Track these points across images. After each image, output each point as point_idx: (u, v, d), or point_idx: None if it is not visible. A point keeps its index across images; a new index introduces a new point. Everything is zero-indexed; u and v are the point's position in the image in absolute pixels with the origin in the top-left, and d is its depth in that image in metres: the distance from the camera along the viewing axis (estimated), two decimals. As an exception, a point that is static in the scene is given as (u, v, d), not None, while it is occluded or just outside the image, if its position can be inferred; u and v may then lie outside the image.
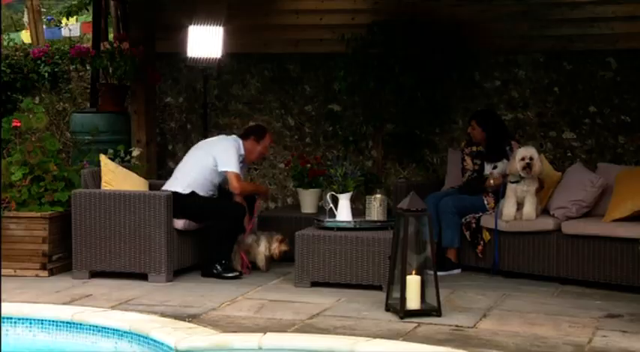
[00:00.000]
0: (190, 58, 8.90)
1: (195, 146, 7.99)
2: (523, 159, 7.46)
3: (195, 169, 7.65)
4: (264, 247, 7.66)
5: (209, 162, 7.63)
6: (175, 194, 7.50)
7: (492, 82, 9.26)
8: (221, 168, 7.59)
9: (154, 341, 5.47)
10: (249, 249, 7.67)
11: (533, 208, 7.49)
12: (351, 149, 9.40)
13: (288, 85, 9.78)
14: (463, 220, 7.84)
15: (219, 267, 7.45)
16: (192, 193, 7.59)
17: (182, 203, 7.51)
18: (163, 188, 7.68)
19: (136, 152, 8.52)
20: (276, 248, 7.64)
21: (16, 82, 10.68)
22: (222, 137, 7.98)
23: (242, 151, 7.73)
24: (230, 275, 7.42)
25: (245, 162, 7.86)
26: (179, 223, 7.47)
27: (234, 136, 7.87)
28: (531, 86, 9.15)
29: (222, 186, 7.78)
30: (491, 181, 7.85)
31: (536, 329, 5.81)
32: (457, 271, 7.79)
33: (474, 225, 7.77)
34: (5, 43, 11.67)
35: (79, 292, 6.87)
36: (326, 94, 9.55)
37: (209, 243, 7.59)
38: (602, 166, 7.96)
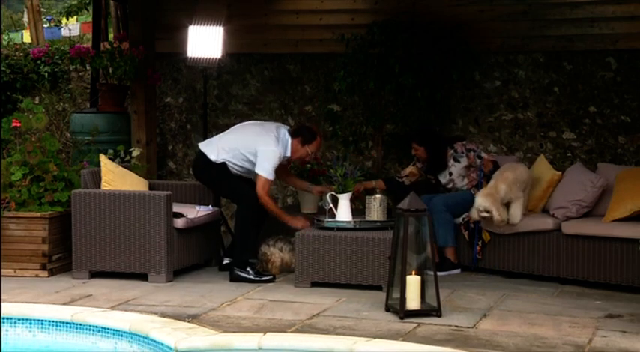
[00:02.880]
0: (190, 58, 8.89)
1: (248, 123, 7.90)
2: (480, 211, 7.51)
3: (237, 147, 7.56)
4: (279, 251, 7.63)
5: (251, 149, 7.51)
6: (206, 157, 7.57)
7: (492, 82, 9.26)
8: (256, 169, 7.48)
9: (154, 341, 5.47)
10: (266, 253, 7.66)
11: (519, 213, 7.51)
12: (351, 149, 9.40)
13: (288, 85, 9.78)
14: (461, 220, 7.86)
15: (251, 272, 7.37)
16: (223, 164, 7.57)
17: (207, 168, 7.60)
18: (200, 144, 7.74)
19: (135, 152, 8.53)
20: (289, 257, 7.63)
21: (16, 82, 10.68)
22: (273, 133, 7.58)
23: (287, 152, 7.59)
24: (265, 278, 7.36)
25: (290, 160, 7.76)
26: (179, 222, 7.47)
27: (285, 133, 7.63)
28: (531, 86, 9.15)
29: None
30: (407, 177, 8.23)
31: (536, 329, 5.82)
32: (457, 271, 7.79)
33: (472, 225, 7.77)
34: (5, 43, 11.67)
35: (78, 292, 6.87)
36: (326, 94, 9.54)
37: (235, 242, 7.56)
38: (602, 166, 7.97)
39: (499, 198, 7.46)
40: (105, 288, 7.00)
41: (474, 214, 7.55)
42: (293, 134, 7.66)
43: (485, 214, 7.45)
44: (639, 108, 8.82)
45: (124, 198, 7.36)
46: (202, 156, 7.66)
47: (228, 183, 7.65)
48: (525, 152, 9.09)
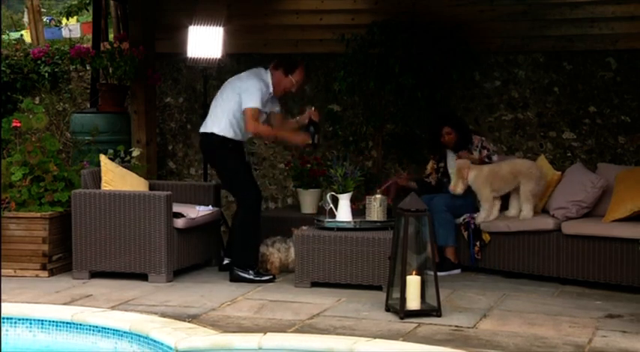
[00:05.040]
0: (190, 58, 8.89)
1: (225, 85, 7.74)
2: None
3: (226, 111, 7.48)
4: (277, 251, 7.65)
5: (237, 101, 7.43)
6: (212, 135, 7.48)
7: (492, 82, 9.26)
8: (243, 105, 7.38)
9: (154, 341, 5.47)
10: (265, 253, 7.66)
11: (482, 215, 7.69)
12: (351, 149, 9.40)
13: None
14: (461, 220, 7.86)
15: (251, 272, 7.35)
16: (232, 143, 7.48)
17: (214, 148, 7.52)
18: (201, 130, 7.64)
19: (136, 152, 8.53)
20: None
21: (16, 82, 10.68)
22: (250, 73, 7.60)
23: (270, 87, 7.50)
24: (265, 278, 7.35)
25: (273, 94, 7.60)
26: (179, 222, 7.47)
27: (262, 70, 7.59)
28: (531, 86, 9.15)
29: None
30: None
31: (536, 329, 5.82)
32: (457, 271, 7.79)
33: (472, 226, 7.77)
34: (5, 43, 11.67)
35: (79, 292, 6.87)
36: (326, 95, 9.55)
37: (236, 242, 7.52)
38: (602, 166, 7.96)
39: (465, 175, 7.71)
40: (105, 288, 7.00)
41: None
42: (274, 68, 7.58)
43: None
44: (639, 108, 8.82)
45: (124, 198, 7.36)
46: (208, 136, 7.55)
47: (234, 175, 7.56)
48: (525, 152, 9.09)
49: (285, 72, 7.55)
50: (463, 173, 7.69)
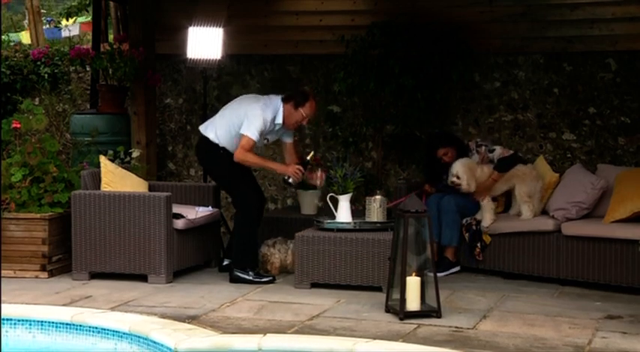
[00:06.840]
0: (190, 59, 8.89)
1: (244, 96, 7.78)
2: (452, 175, 7.71)
3: (226, 125, 7.48)
4: (278, 252, 7.65)
5: (241, 118, 7.40)
6: (207, 139, 7.52)
7: (492, 83, 9.26)
8: (241, 130, 7.37)
9: (154, 342, 5.47)
10: (265, 253, 7.66)
11: (489, 218, 7.65)
12: (351, 150, 9.40)
13: (288, 86, 9.77)
14: (463, 222, 7.85)
15: (251, 273, 7.35)
16: (224, 150, 7.50)
17: (210, 152, 7.56)
18: (200, 127, 7.68)
19: (135, 153, 8.52)
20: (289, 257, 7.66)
21: (16, 83, 10.68)
22: (265, 100, 7.51)
23: (279, 119, 7.43)
24: (265, 279, 7.35)
25: (285, 127, 7.55)
26: (179, 223, 7.47)
27: (277, 100, 7.49)
28: (531, 87, 9.15)
29: None
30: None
31: (536, 330, 5.82)
32: (456, 269, 7.79)
33: (474, 227, 7.77)
34: (4, 44, 11.67)
35: (78, 293, 6.87)
36: (326, 95, 9.55)
37: (235, 243, 7.52)
38: (602, 167, 7.96)
39: (475, 175, 7.66)
40: (105, 289, 7.00)
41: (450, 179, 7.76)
42: (285, 100, 7.51)
43: (455, 179, 7.64)
44: (639, 109, 8.82)
45: (124, 199, 7.36)
46: (204, 139, 7.58)
47: (231, 181, 7.58)
48: (525, 153, 9.09)
49: (295, 105, 7.46)
50: (474, 172, 7.67)
